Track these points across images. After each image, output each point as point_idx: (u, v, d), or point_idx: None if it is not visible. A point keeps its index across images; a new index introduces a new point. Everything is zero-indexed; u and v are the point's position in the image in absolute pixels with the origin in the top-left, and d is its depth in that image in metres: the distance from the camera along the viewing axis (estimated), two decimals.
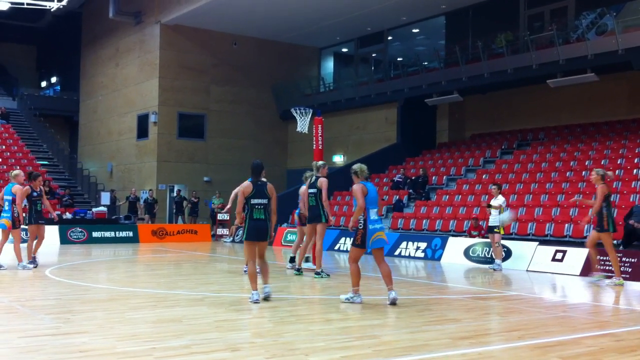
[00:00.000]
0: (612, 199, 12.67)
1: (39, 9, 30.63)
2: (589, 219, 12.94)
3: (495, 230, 14.62)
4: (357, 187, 8.96)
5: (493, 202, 14.74)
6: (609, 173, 12.98)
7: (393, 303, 9.03)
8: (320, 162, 13.02)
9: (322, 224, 12.70)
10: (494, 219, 14.61)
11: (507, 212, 14.68)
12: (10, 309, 8.50)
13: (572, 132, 22.64)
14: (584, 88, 21.35)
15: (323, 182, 12.66)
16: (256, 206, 8.96)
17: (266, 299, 9.16)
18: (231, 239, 24.32)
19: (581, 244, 15.47)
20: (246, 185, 9.03)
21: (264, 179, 9.18)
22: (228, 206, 12.54)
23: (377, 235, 8.93)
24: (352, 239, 9.09)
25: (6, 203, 13.27)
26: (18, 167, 18.53)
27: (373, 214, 8.94)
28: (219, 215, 26.17)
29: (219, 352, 6.14)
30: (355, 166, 9.19)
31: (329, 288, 11.42)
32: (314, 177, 12.76)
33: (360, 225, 8.94)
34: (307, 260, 13.73)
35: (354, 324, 7.73)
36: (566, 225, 16.58)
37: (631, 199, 16.65)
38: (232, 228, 24.90)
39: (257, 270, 9.27)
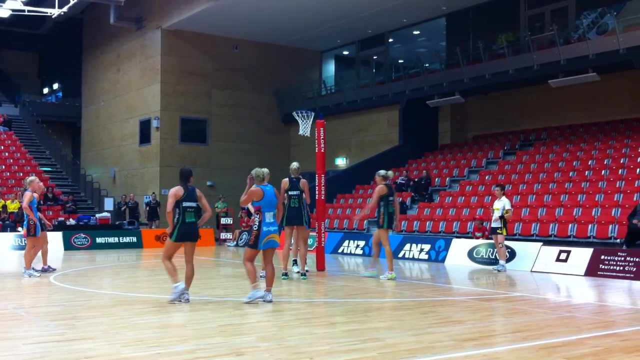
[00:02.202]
0: (392, 199, 12.98)
1: (40, 16, 30.70)
2: (360, 216, 14.07)
3: (499, 231, 14.61)
4: (252, 190, 9.36)
5: (496, 204, 14.71)
6: (390, 173, 13.49)
7: (264, 301, 9.33)
8: (296, 164, 13.03)
9: (305, 229, 12.84)
10: (497, 220, 14.60)
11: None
12: (14, 315, 8.51)
13: (575, 132, 22.62)
14: (586, 88, 21.32)
15: (305, 183, 12.74)
16: (188, 209, 9.32)
17: (187, 301, 9.35)
18: (235, 243, 24.32)
19: (585, 244, 15.47)
20: (177, 189, 9.38)
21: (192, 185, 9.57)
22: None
23: (270, 237, 9.29)
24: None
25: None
26: (34, 174, 18.45)
27: (269, 217, 9.31)
28: (222, 219, 26.20)
29: (224, 356, 6.14)
30: (252, 171, 9.58)
31: (333, 291, 11.42)
32: (294, 179, 12.76)
33: (255, 227, 9.27)
34: (295, 263, 13.73)
35: (358, 327, 7.72)
36: (570, 225, 16.55)
37: (635, 198, 16.61)
38: (235, 232, 24.92)
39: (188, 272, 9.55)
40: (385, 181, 13.16)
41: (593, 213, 16.75)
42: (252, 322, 8.24)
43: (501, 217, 14.52)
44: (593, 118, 22.59)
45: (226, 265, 16.98)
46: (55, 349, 6.45)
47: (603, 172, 18.82)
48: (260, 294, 9.29)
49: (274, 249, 9.49)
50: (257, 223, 9.27)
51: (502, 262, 14.71)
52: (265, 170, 9.60)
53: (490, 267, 15.21)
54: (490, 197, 19.20)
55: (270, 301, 9.38)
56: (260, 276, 12.61)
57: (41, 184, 14.31)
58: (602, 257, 13.80)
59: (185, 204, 9.29)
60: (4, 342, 6.71)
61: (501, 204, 14.56)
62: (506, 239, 15.01)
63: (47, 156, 33.56)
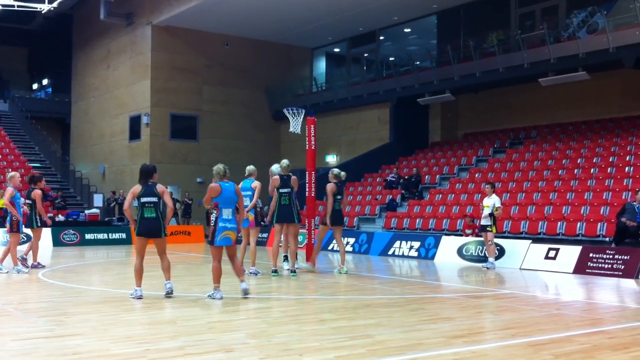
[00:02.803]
0: (340, 197, 13.38)
1: (30, 11, 30.54)
2: (322, 213, 13.82)
3: (488, 228, 14.66)
4: (210, 186, 9.41)
5: (486, 202, 14.77)
6: (342, 174, 13.69)
7: (242, 294, 9.46)
8: (286, 161, 13.05)
9: (296, 226, 12.87)
10: (487, 218, 14.64)
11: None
12: (3, 312, 8.47)
13: (565, 131, 22.71)
14: (576, 86, 21.42)
15: (295, 180, 12.86)
16: (146, 204, 9.41)
17: (168, 295, 9.42)
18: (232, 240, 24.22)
19: (574, 242, 15.54)
20: (136, 186, 9.56)
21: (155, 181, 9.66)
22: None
23: (226, 233, 9.37)
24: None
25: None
26: (10, 170, 18.41)
27: (226, 214, 9.39)
28: (212, 216, 26.12)
29: (213, 353, 6.13)
30: (214, 167, 9.60)
31: (322, 288, 11.43)
32: (285, 176, 12.80)
33: (213, 223, 9.44)
34: (285, 259, 13.76)
35: (347, 324, 7.73)
36: (559, 223, 16.65)
37: (623, 197, 16.72)
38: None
39: (159, 267, 9.67)
40: (336, 180, 13.30)
41: (582, 211, 16.84)
42: (242, 319, 8.24)
43: (491, 215, 14.57)
44: (583, 117, 22.69)
45: None
46: (44, 345, 6.43)
47: (592, 170, 18.92)
48: (218, 296, 9.25)
49: (234, 246, 9.56)
50: (214, 219, 9.39)
51: (491, 259, 14.76)
52: (221, 166, 9.54)
53: (480, 265, 15.26)
54: (480, 195, 19.25)
55: (246, 289, 9.44)
56: (251, 273, 12.65)
57: (40, 182, 14.13)
58: (591, 254, 13.87)
59: (143, 199, 9.39)
60: None
61: (491, 202, 14.60)
62: (495, 237, 15.07)
63: (36, 152, 33.40)
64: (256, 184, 12.63)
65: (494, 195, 14.80)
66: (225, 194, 9.34)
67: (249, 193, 12.59)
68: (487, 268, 14.62)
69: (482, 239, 15.36)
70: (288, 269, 13.12)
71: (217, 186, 9.34)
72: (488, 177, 20.92)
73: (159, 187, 9.51)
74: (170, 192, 9.82)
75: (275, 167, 13.08)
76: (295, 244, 12.96)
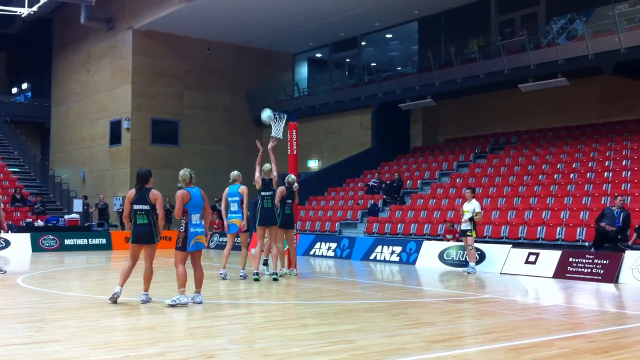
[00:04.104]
0: (290, 201, 13.36)
1: (9, 15, 30.27)
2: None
3: (469, 233, 14.71)
4: (178, 193, 9.37)
5: (466, 206, 14.82)
6: (293, 182, 13.61)
7: (196, 303, 9.33)
8: (268, 165, 13.15)
9: (279, 229, 12.96)
10: (467, 222, 14.70)
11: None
12: None
13: (544, 136, 22.89)
14: (556, 92, 21.61)
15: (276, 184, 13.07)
16: (138, 212, 9.41)
17: (145, 302, 9.41)
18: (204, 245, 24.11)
19: (554, 247, 15.64)
20: (130, 191, 9.53)
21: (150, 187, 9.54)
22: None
23: (197, 238, 9.41)
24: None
25: None
26: None
27: (195, 219, 9.41)
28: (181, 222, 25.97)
29: (194, 359, 6.10)
30: (180, 173, 9.54)
31: (304, 293, 11.41)
32: (267, 180, 12.98)
33: (182, 229, 9.36)
34: (265, 263, 13.79)
35: (329, 329, 7.72)
36: (539, 227, 16.74)
37: (602, 202, 16.86)
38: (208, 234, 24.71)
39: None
40: (286, 185, 13.44)
41: (562, 216, 16.96)
42: (223, 324, 8.20)
43: (471, 220, 14.63)
44: (562, 122, 22.89)
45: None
46: (23, 351, 6.36)
47: (572, 175, 19.07)
48: (185, 301, 9.20)
49: (201, 251, 9.58)
50: (183, 225, 9.34)
51: (472, 264, 14.82)
52: (187, 172, 9.49)
53: (461, 269, 15.32)
54: (460, 200, 19.34)
55: (200, 302, 9.40)
56: (240, 276, 12.67)
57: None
58: (570, 259, 13.97)
59: (135, 206, 9.40)
60: None
61: (471, 207, 14.66)
62: (476, 242, 15.13)
63: (15, 157, 33.07)
64: (243, 188, 12.67)
65: (474, 200, 14.87)
66: (194, 199, 9.36)
67: (237, 198, 12.66)
68: (468, 273, 14.68)
69: (463, 243, 15.42)
70: (270, 274, 13.11)
71: (185, 192, 9.34)
72: (469, 182, 21.02)
73: (152, 194, 9.42)
74: (166, 199, 9.74)
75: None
76: (277, 248, 12.96)
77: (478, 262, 15.23)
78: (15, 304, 9.77)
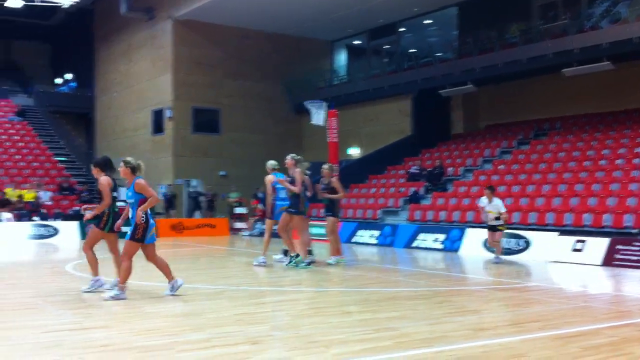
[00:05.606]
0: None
1: (52, 7, 30.74)
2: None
3: (499, 228, 14.32)
4: (144, 182, 9.18)
5: (489, 207, 14.30)
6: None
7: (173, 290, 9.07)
8: (291, 156, 13.04)
9: (301, 217, 12.75)
10: (495, 220, 14.32)
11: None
12: (30, 304, 8.55)
13: (589, 122, 22.45)
14: (600, 76, 21.13)
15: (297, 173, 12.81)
16: (115, 199, 9.42)
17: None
18: (249, 232, 24.35)
19: (600, 234, 15.36)
20: (108, 179, 9.56)
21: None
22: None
23: (154, 230, 9.16)
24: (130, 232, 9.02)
25: None
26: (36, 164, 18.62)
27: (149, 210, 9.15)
28: (235, 209, 26.23)
29: (239, 345, 6.14)
30: (139, 162, 9.48)
31: (346, 281, 11.41)
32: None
33: (143, 219, 8.96)
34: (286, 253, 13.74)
35: (373, 316, 7.70)
36: (585, 215, 16.44)
37: None
38: (250, 221, 24.94)
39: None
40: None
41: (608, 202, 16.63)
42: (267, 311, 8.24)
43: (497, 219, 14.28)
44: (608, 107, 22.40)
45: (240, 255, 17.01)
46: (71, 337, 6.46)
47: (618, 161, 18.68)
48: (123, 297, 8.73)
49: (154, 243, 9.26)
50: (143, 216, 8.99)
51: (498, 255, 14.49)
52: (141, 162, 9.53)
53: (507, 257, 15.06)
54: (504, 187, 19.13)
55: (180, 285, 9.13)
56: (261, 263, 12.72)
57: None
58: (618, 246, 13.72)
59: (114, 194, 9.50)
60: (20, 331, 6.73)
61: (495, 207, 14.27)
62: (522, 229, 14.85)
63: (61, 146, 33.67)
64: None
65: (495, 200, 14.43)
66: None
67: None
68: (496, 263, 14.27)
69: (508, 231, 15.14)
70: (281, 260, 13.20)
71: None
72: (511, 169, 20.80)
73: (136, 182, 9.25)
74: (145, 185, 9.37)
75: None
76: (306, 236, 12.88)
77: (523, 250, 15.03)
78: (64, 291, 9.96)
